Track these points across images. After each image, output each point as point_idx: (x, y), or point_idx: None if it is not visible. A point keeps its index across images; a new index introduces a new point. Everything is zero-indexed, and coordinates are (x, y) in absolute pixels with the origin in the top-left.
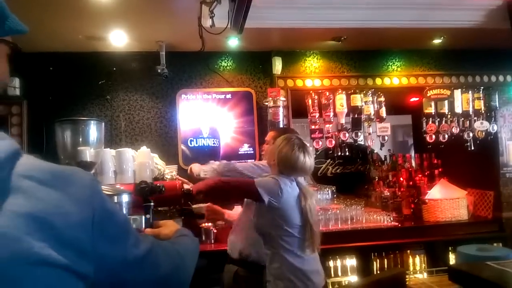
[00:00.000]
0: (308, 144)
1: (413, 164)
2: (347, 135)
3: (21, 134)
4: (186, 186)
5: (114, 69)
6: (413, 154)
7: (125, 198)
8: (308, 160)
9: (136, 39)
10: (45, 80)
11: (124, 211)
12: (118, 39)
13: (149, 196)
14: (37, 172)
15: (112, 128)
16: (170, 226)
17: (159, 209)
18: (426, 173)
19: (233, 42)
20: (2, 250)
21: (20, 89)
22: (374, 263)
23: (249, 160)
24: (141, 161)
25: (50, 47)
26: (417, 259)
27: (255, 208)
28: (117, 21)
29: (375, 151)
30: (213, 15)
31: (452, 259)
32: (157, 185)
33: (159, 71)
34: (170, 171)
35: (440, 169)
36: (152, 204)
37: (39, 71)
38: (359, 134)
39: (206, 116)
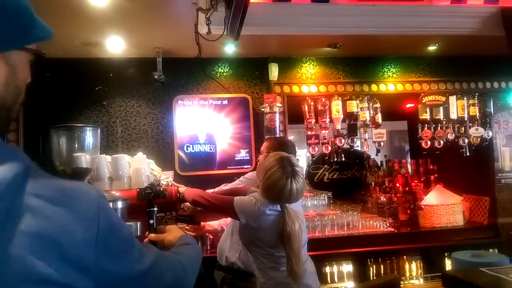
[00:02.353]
0: (299, 168)
1: (409, 170)
2: (343, 141)
3: (17, 140)
4: (180, 189)
5: (111, 75)
6: (409, 160)
7: (120, 204)
8: (296, 187)
9: (133, 46)
10: (41, 86)
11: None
12: (115, 45)
13: (153, 200)
14: (45, 190)
15: (108, 134)
16: (174, 232)
17: (155, 215)
18: (422, 179)
19: (230, 48)
20: (6, 269)
21: None
22: (371, 268)
23: (245, 166)
24: (137, 167)
25: (47, 53)
26: (413, 265)
27: (238, 223)
28: (114, 28)
29: (371, 157)
30: (209, 22)
31: (448, 265)
32: (160, 190)
33: (156, 77)
34: (166, 177)
35: (436, 175)
36: (156, 209)
37: (36, 77)
38: (355, 140)
39: (203, 122)
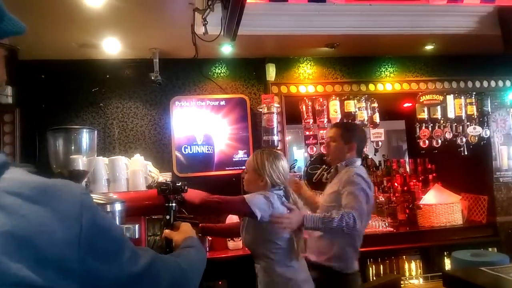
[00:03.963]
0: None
1: (408, 169)
2: None
3: (14, 143)
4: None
5: (108, 76)
6: (407, 159)
7: (118, 207)
8: (286, 163)
9: (130, 47)
10: (38, 88)
11: (117, 220)
12: (111, 46)
13: (172, 195)
14: (23, 187)
15: (105, 135)
16: (181, 233)
17: (153, 217)
18: (420, 178)
19: (227, 49)
20: None
21: (13, 97)
22: (370, 269)
23: (243, 167)
24: (134, 169)
25: (43, 55)
26: (413, 264)
27: (245, 224)
28: (110, 29)
29: (369, 157)
30: (206, 22)
31: (447, 264)
32: (179, 185)
33: (152, 78)
34: (164, 179)
35: (434, 174)
36: (173, 205)
37: (32, 79)
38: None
39: (200, 123)
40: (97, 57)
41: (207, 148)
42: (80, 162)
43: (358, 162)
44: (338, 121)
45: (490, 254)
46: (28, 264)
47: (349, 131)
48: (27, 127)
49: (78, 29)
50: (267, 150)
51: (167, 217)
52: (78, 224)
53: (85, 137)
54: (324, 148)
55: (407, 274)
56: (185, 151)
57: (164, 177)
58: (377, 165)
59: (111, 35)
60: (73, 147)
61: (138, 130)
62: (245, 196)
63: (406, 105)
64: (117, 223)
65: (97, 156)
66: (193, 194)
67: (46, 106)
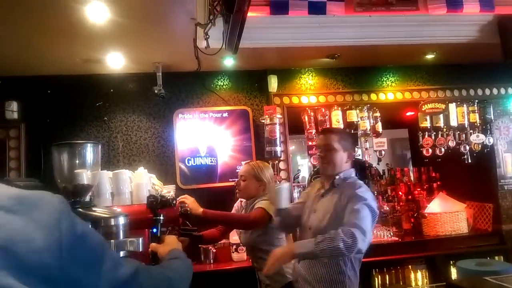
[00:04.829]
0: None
1: (412, 178)
2: None
3: (19, 157)
4: (198, 211)
5: (112, 90)
6: (411, 168)
7: (122, 220)
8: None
9: (133, 61)
10: (43, 103)
11: (121, 233)
12: (115, 61)
13: (160, 209)
14: (0, 199)
15: (109, 149)
16: (167, 245)
17: None
18: (424, 187)
19: (229, 61)
20: None
21: (18, 112)
22: (376, 279)
23: None
24: (138, 182)
25: (48, 71)
26: (419, 274)
27: (255, 233)
28: (114, 44)
29: (373, 166)
30: (207, 36)
31: (453, 273)
32: (166, 199)
33: (156, 91)
34: (167, 191)
35: (438, 183)
36: (161, 218)
37: (37, 95)
38: (356, 149)
39: (203, 135)
40: (101, 72)
41: (211, 159)
42: (85, 176)
43: (353, 173)
44: None
45: (495, 263)
46: (11, 272)
47: (346, 137)
48: (32, 142)
49: (82, 45)
50: (257, 161)
51: (154, 230)
52: (57, 233)
53: (90, 152)
54: (315, 160)
55: (413, 284)
56: (188, 163)
57: (168, 189)
58: (381, 174)
59: (115, 50)
60: (77, 162)
61: (142, 143)
62: (261, 209)
63: (408, 114)
64: (121, 236)
65: (101, 170)
66: (213, 216)
67: (51, 121)
